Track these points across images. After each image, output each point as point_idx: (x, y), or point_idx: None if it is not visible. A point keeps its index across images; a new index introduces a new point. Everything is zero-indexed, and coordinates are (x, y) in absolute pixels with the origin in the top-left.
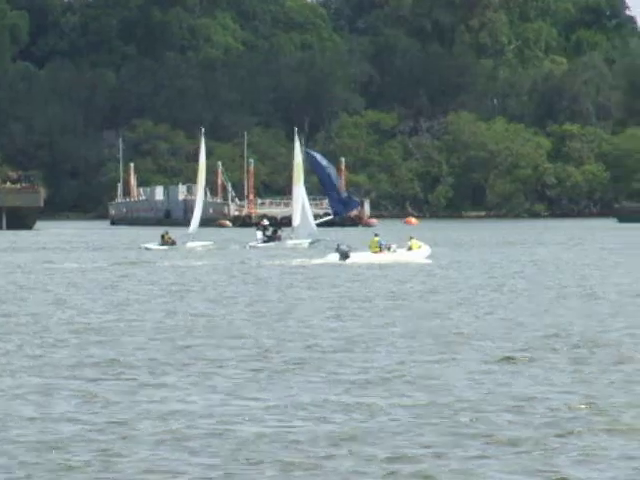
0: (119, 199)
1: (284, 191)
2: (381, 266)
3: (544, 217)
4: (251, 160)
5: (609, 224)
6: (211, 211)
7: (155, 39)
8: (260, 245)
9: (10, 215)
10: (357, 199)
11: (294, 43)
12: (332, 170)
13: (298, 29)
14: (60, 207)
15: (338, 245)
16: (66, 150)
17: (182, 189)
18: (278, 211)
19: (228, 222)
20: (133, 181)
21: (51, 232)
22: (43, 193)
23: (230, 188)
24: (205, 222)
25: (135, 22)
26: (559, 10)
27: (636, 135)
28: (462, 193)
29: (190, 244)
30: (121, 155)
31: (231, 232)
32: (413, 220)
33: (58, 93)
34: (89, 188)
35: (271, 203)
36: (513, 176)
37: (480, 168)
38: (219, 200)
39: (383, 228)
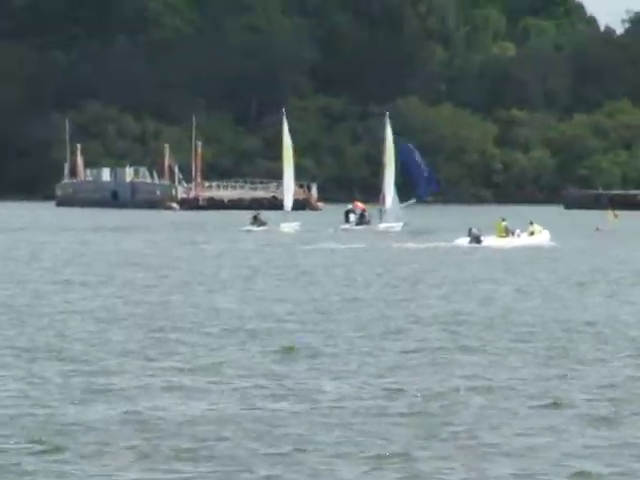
0: (66, 180)
1: (230, 174)
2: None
3: (489, 202)
4: (199, 142)
5: (557, 210)
6: (158, 193)
7: (104, 20)
8: (355, 228)
9: None
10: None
11: (243, 26)
12: (416, 153)
13: (247, 12)
14: (5, 188)
15: (470, 229)
16: (12, 130)
17: (129, 171)
18: (226, 193)
19: (175, 204)
20: (80, 162)
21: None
22: None
23: (177, 170)
24: (152, 204)
25: (84, 2)
26: None
27: (583, 122)
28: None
29: (284, 225)
30: (68, 136)
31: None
32: (360, 204)
33: (5, 73)
34: (35, 169)
35: (218, 186)
36: (460, 161)
37: (427, 153)
38: (166, 182)
39: (330, 212)
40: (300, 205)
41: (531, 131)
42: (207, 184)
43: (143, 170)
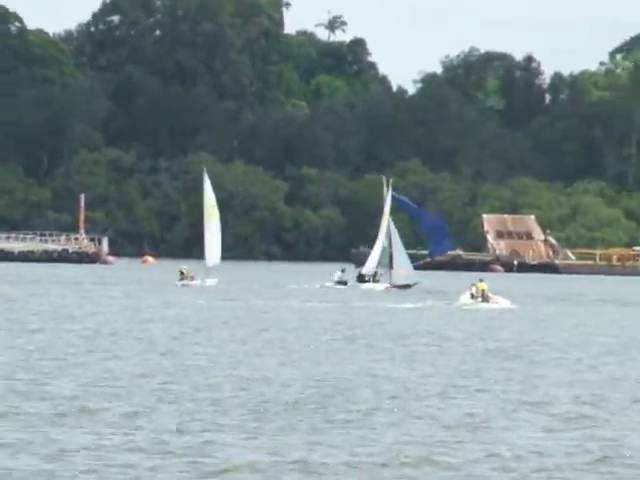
0: None
1: (19, 226)
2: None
3: (279, 260)
4: None
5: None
6: None
7: None
8: (337, 286)
9: None
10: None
11: (35, 77)
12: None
13: (39, 63)
14: None
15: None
16: None
17: None
18: (15, 245)
19: None
20: None
21: None
22: None
23: None
24: None
25: None
26: (301, 54)
27: (374, 181)
28: (199, 233)
29: (208, 280)
30: None
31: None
32: (150, 259)
33: None
34: None
35: (8, 238)
36: (250, 218)
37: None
38: None
39: (120, 266)
40: (91, 259)
41: (322, 189)
42: None
43: None
